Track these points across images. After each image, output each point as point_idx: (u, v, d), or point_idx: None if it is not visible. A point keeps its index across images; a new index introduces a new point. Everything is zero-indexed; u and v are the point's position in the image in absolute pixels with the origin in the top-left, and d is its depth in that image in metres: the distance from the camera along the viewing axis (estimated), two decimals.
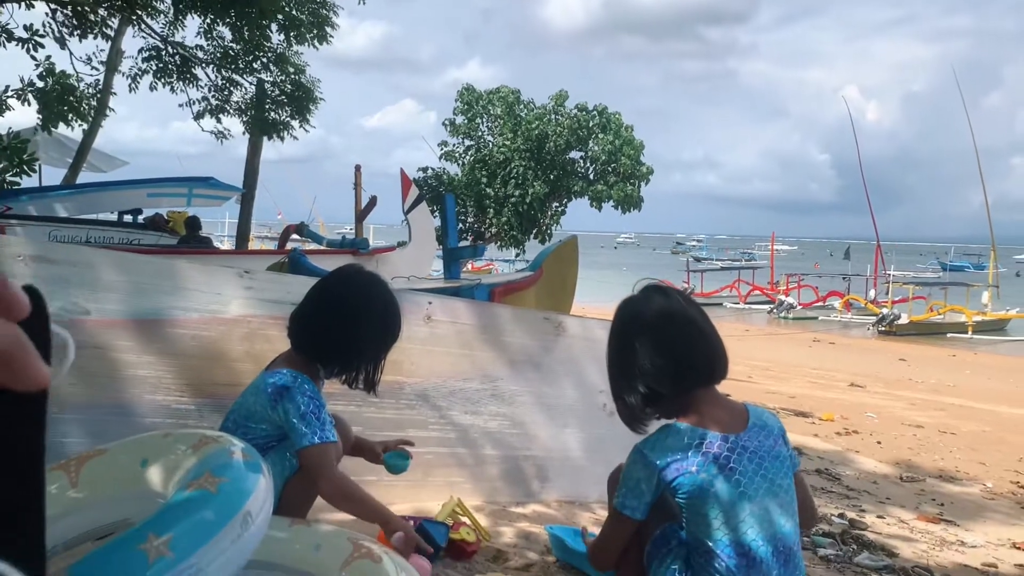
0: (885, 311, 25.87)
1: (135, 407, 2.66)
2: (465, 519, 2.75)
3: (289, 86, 12.02)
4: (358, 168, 9.58)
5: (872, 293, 30.53)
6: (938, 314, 26.10)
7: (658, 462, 1.87)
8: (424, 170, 22.29)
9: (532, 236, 22.00)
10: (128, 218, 11.97)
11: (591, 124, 21.11)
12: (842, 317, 28.60)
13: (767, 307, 30.25)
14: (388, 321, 2.40)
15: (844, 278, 33.63)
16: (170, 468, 1.75)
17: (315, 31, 11.47)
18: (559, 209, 22.51)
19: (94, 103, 12.01)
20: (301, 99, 11.85)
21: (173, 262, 2.94)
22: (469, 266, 23.19)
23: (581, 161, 21.86)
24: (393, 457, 2.55)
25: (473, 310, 3.48)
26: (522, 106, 22.01)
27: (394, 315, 2.41)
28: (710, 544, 1.85)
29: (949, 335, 24.44)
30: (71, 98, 10.45)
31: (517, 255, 24.34)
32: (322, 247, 10.09)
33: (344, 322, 2.32)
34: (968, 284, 29.73)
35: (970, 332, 24.63)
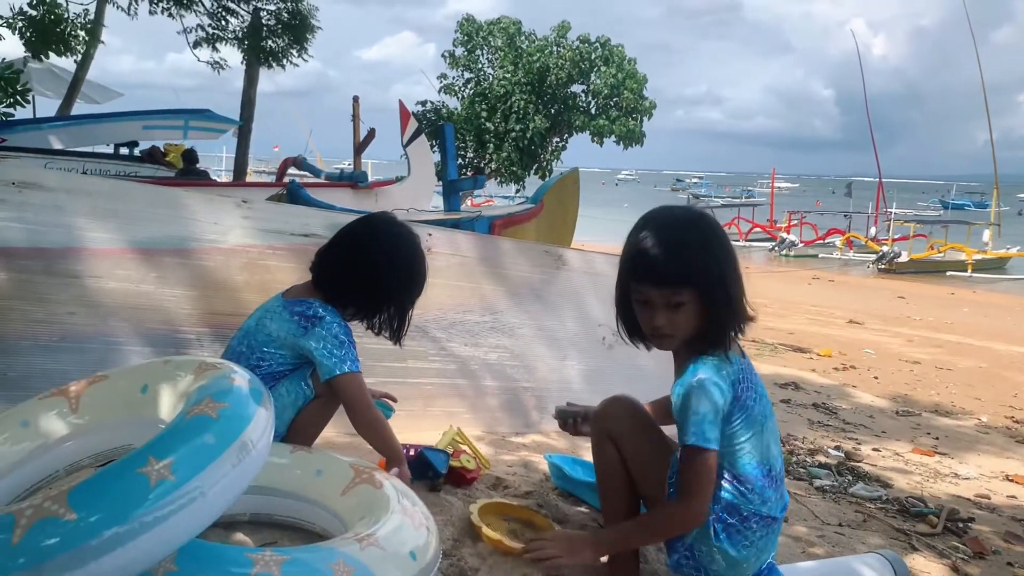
0: (885, 249, 25.84)
1: (135, 336, 2.65)
2: (465, 447, 2.77)
3: (286, 14, 11.80)
4: (356, 99, 9.45)
5: (873, 231, 30.45)
6: (938, 252, 26.08)
7: (728, 391, 1.85)
8: (423, 104, 22.02)
9: (533, 172, 21.85)
10: (124, 150, 11.86)
11: (593, 57, 20.80)
12: (843, 255, 28.59)
13: (768, 244, 30.20)
14: (414, 275, 2.38)
15: (845, 216, 33.50)
16: (170, 394, 1.75)
17: None
18: (560, 144, 22.32)
19: (83, 34, 11.78)
20: (298, 27, 11.64)
21: (170, 191, 2.90)
22: (468, 202, 23.09)
23: (583, 95, 21.58)
24: (378, 405, 2.55)
25: (474, 242, 3.46)
26: (523, 37, 21.63)
27: (420, 269, 2.39)
28: (744, 464, 1.88)
29: (949, 273, 24.45)
30: (59, 29, 10.25)
31: (517, 191, 24.21)
32: (320, 180, 10.02)
33: (370, 271, 2.29)
34: (969, 222, 29.63)
35: (970, 270, 24.63)
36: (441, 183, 5.67)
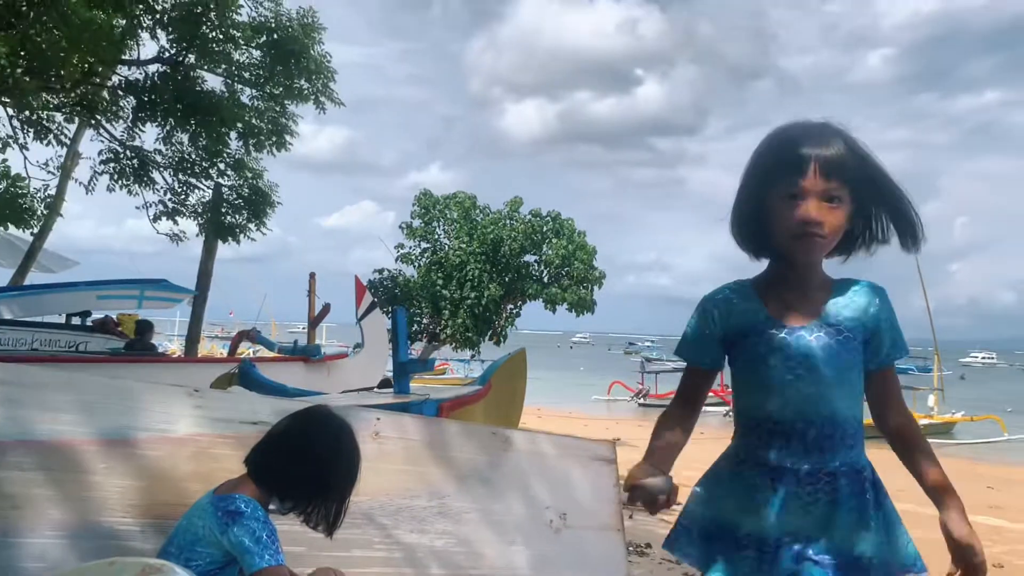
0: None
1: (80, 530, 2.63)
2: None
3: (246, 190, 12.17)
4: (312, 276, 9.71)
5: None
6: None
7: None
8: (380, 271, 22.44)
9: (487, 338, 22.10)
10: (76, 320, 11.83)
11: (545, 229, 21.60)
12: None
13: (722, 409, 30.39)
14: (352, 471, 2.46)
15: None
16: None
17: (274, 139, 11.74)
18: (514, 311, 22.73)
19: (43, 209, 12.00)
20: (258, 203, 12.00)
21: (123, 384, 2.97)
22: (436, 360, 23.07)
23: (535, 265, 22.22)
24: None
25: (421, 426, 3.54)
26: (478, 211, 22.45)
27: (356, 465, 2.47)
28: None
29: None
30: (18, 203, 10.45)
31: (472, 356, 24.38)
32: (274, 354, 10.06)
33: (307, 471, 2.36)
34: (914, 387, 30.29)
35: None
36: (392, 364, 5.81)
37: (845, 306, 1.83)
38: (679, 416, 1.99)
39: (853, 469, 1.82)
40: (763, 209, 1.81)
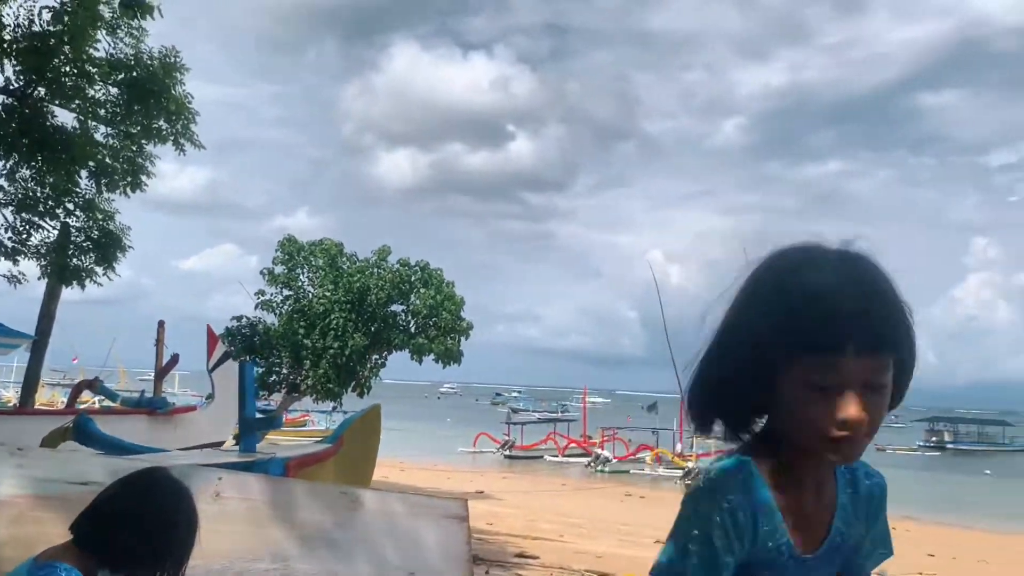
0: (691, 464, 27.07)
1: None
2: None
3: (96, 232, 11.57)
4: (161, 324, 9.33)
5: (679, 447, 31.92)
6: None
7: None
8: (239, 319, 21.74)
9: (350, 389, 21.70)
10: None
11: (413, 279, 21.56)
12: (652, 471, 29.65)
13: (584, 460, 30.92)
14: (187, 539, 2.35)
15: (653, 432, 35.05)
16: None
17: (129, 179, 11.27)
18: (379, 361, 22.45)
19: None
20: (107, 246, 11.41)
21: None
22: (283, 417, 22.40)
23: (403, 315, 22.09)
24: None
25: (265, 485, 3.44)
26: (345, 259, 22.20)
27: (194, 531, 2.37)
28: None
29: None
30: None
31: (334, 408, 23.86)
32: (116, 405, 9.51)
33: (138, 539, 2.24)
34: None
35: None
36: (238, 421, 5.60)
37: (854, 515, 1.36)
38: None
39: None
40: (770, 385, 1.25)
